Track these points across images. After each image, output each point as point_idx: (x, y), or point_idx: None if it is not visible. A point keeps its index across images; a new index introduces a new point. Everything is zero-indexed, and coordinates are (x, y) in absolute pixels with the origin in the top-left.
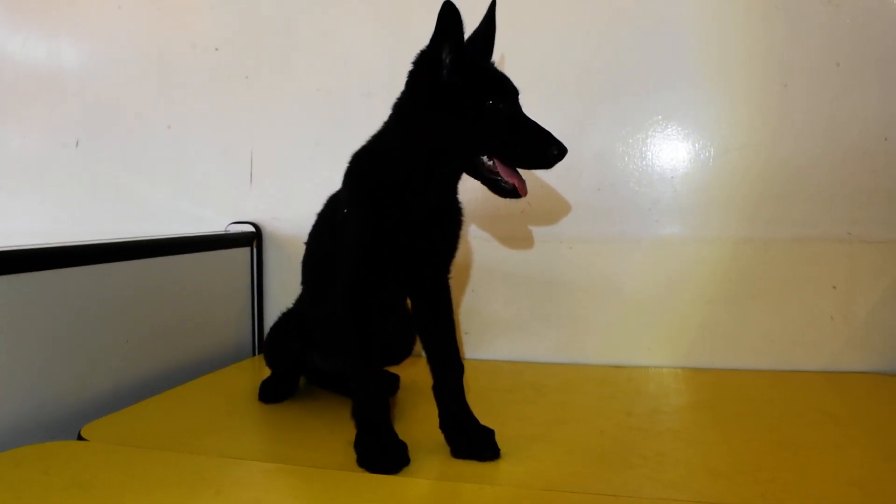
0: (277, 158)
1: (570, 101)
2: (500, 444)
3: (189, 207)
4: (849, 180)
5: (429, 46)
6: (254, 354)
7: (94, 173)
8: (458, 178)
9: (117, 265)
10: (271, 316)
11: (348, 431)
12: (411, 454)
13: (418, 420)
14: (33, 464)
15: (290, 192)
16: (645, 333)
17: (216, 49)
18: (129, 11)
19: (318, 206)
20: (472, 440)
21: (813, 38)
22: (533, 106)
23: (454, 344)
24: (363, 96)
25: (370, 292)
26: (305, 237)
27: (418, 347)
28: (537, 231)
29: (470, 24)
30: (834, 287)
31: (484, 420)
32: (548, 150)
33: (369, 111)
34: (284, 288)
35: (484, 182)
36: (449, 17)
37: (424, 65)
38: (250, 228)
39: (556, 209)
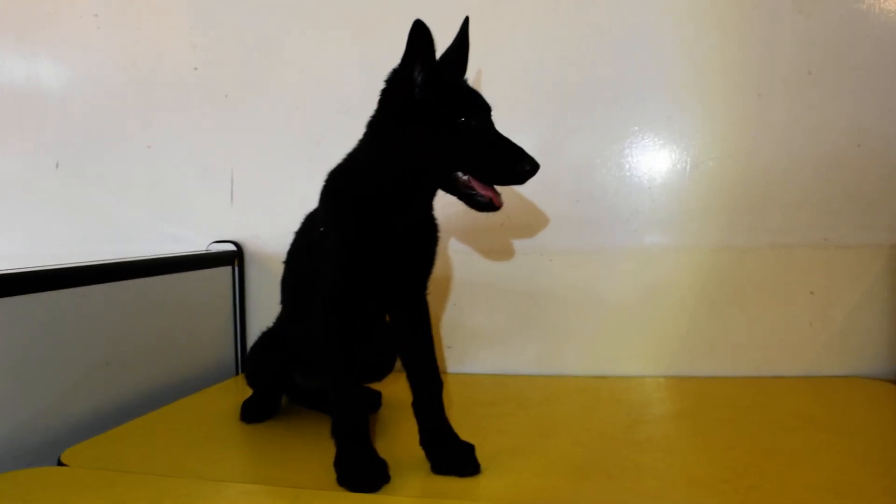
0: (258, 176)
1: (547, 113)
2: (481, 459)
3: (170, 227)
4: (824, 187)
5: (400, 65)
6: (237, 373)
7: (74, 195)
8: (433, 193)
9: (98, 287)
10: (254, 334)
11: (330, 450)
12: (392, 471)
13: (399, 436)
14: (11, 491)
15: (271, 210)
16: (626, 343)
17: (195, 68)
18: (108, 32)
19: (300, 223)
20: (452, 456)
21: (786, 48)
22: (510, 119)
23: (433, 360)
24: (341, 113)
25: (349, 309)
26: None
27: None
28: (517, 243)
29: (445, 42)
30: (812, 293)
31: (466, 434)
32: (520, 166)
33: (348, 128)
34: (267, 306)
35: (460, 197)
36: (419, 36)
37: (397, 83)
38: (231, 247)
39: (536, 221)
